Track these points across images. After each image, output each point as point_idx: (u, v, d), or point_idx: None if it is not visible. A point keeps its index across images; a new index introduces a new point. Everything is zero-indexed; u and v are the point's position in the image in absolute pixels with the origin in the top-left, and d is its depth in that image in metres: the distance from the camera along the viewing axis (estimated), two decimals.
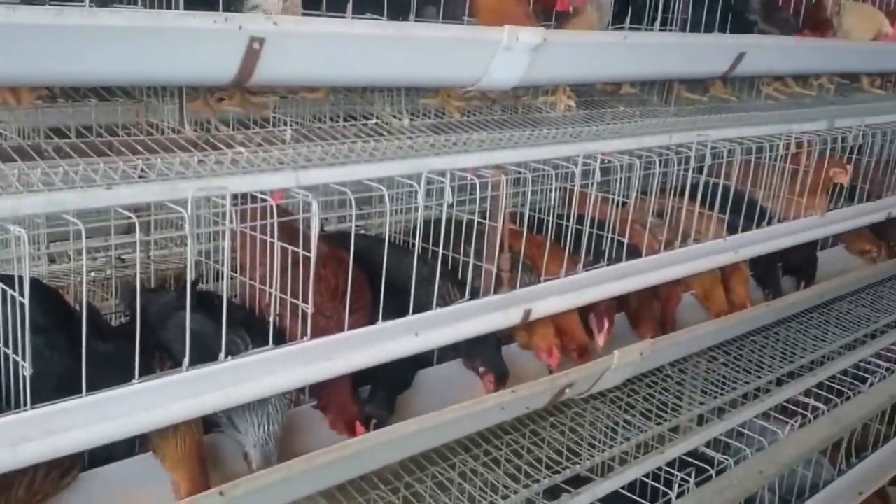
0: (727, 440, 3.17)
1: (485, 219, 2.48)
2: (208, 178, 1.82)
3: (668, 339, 2.94)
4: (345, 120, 2.54)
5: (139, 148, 1.93)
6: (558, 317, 2.79)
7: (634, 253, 2.94)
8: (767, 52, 3.38)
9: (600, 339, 2.94)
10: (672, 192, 3.33)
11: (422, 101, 2.75)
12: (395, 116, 2.61)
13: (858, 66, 4.26)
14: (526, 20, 2.54)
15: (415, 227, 2.53)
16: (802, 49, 3.60)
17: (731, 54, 3.18)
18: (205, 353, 1.92)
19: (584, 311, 2.96)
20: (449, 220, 2.42)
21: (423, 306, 2.32)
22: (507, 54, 2.37)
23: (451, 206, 2.34)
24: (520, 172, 2.55)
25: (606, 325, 2.95)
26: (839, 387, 3.58)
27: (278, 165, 2.00)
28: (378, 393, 2.49)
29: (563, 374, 2.52)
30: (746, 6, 3.51)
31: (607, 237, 2.88)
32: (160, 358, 1.98)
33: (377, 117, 2.58)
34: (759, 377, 3.41)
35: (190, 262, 1.87)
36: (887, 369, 3.82)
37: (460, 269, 2.53)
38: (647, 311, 3.24)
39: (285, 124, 2.40)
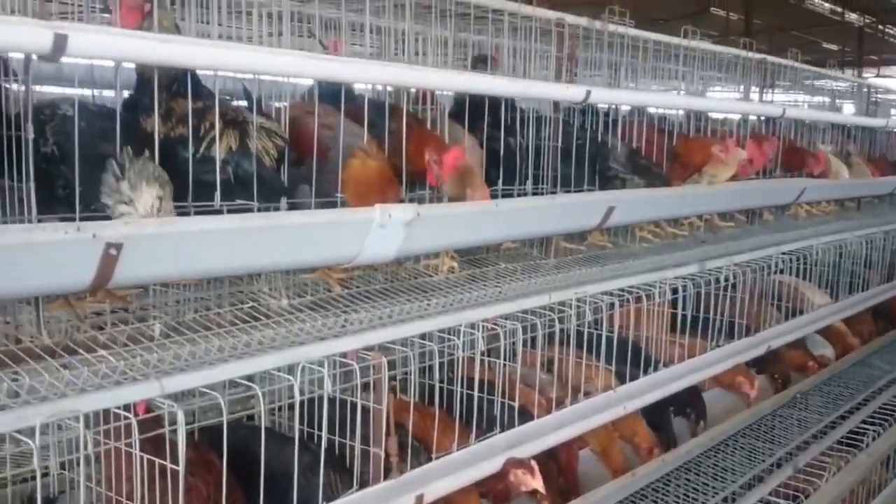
0: None
1: (369, 401, 2.39)
2: (57, 402, 1.68)
3: None
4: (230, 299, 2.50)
5: None
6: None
7: (526, 415, 2.90)
8: (634, 203, 3.52)
9: None
10: (560, 342, 3.34)
11: (301, 277, 2.71)
12: (272, 297, 2.55)
13: (720, 206, 4.48)
14: (392, 191, 2.57)
15: (298, 415, 2.43)
16: (665, 198, 3.77)
17: (600, 209, 3.29)
18: None
19: None
20: (332, 404, 2.32)
21: (307, 499, 2.19)
22: (381, 231, 2.37)
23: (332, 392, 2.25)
24: (404, 350, 2.50)
25: None
26: None
27: (141, 373, 1.89)
28: None
29: None
30: (611, 159, 3.67)
31: (497, 402, 2.83)
32: None
33: (254, 300, 2.51)
34: None
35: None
36: None
37: (347, 456, 2.41)
38: (546, 477, 3.15)
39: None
